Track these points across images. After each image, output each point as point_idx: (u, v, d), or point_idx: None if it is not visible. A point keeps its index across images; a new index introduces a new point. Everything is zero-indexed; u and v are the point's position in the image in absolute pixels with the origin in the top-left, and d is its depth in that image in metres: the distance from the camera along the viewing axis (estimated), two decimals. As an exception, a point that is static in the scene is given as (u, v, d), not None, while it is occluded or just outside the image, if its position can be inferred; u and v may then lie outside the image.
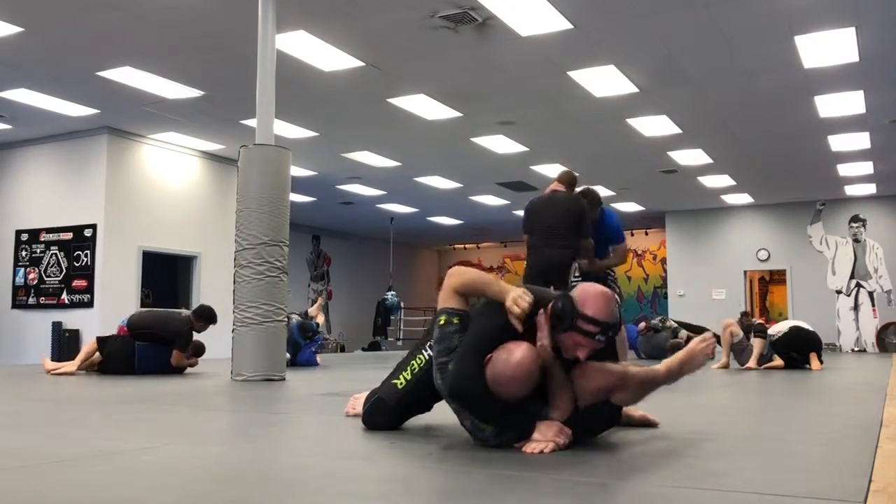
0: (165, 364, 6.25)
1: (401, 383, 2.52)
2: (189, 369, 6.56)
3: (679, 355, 2.48)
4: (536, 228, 5.51)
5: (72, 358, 6.79)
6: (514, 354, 2.17)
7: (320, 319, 8.57)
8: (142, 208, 10.83)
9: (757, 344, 7.22)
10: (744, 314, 8.11)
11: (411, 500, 1.69)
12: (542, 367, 2.22)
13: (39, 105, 9.37)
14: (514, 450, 2.17)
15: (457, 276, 2.39)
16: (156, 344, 6.32)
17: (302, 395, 4.52)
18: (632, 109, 9.60)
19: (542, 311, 2.27)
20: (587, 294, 2.23)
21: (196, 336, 6.60)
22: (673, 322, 10.52)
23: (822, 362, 7.24)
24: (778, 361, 7.21)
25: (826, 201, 15.77)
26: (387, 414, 2.57)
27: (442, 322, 2.35)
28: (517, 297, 2.25)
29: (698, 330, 10.40)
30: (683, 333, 10.21)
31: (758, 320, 7.69)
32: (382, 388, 2.59)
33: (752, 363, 7.13)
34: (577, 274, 5.33)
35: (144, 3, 6.60)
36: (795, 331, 7.33)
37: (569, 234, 5.37)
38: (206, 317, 6.48)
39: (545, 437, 2.18)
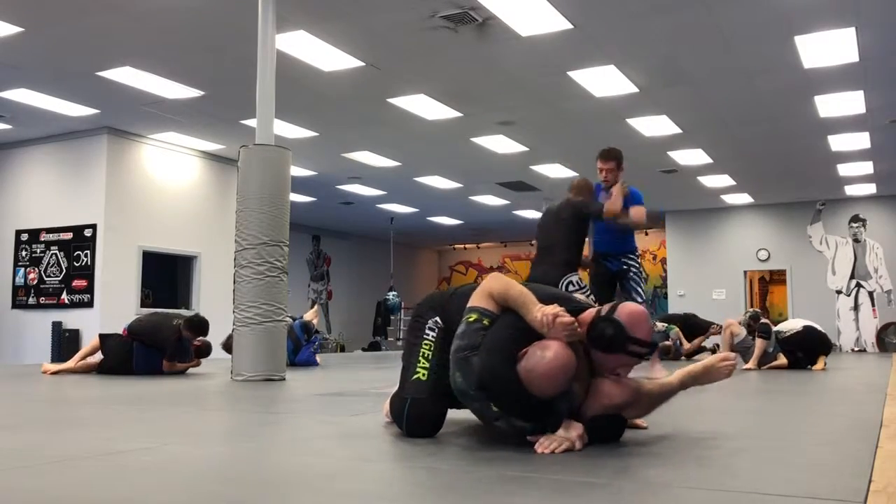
0: (162, 365, 6.25)
1: (423, 375, 2.40)
2: (190, 369, 6.56)
3: (697, 367, 2.54)
4: (538, 244, 5.59)
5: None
6: (550, 351, 2.13)
7: (316, 322, 8.56)
8: (142, 208, 10.83)
9: (759, 344, 7.13)
10: (753, 317, 7.67)
11: (412, 501, 1.69)
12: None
13: (39, 105, 9.37)
14: (515, 449, 2.17)
15: (498, 283, 2.33)
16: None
17: (302, 395, 4.52)
18: (632, 109, 9.60)
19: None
20: (633, 317, 2.22)
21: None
22: (660, 325, 10.25)
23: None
24: (781, 360, 7.12)
25: (826, 201, 15.77)
26: (426, 410, 2.40)
27: (472, 319, 2.28)
28: (555, 320, 2.18)
29: (682, 319, 10.47)
30: (674, 333, 10.15)
31: (764, 320, 7.48)
32: (408, 389, 2.43)
33: (751, 364, 7.09)
34: (571, 288, 5.22)
35: (144, 3, 6.60)
36: (808, 331, 7.20)
37: (565, 246, 5.31)
38: (197, 328, 6.40)
39: (568, 435, 2.17)
